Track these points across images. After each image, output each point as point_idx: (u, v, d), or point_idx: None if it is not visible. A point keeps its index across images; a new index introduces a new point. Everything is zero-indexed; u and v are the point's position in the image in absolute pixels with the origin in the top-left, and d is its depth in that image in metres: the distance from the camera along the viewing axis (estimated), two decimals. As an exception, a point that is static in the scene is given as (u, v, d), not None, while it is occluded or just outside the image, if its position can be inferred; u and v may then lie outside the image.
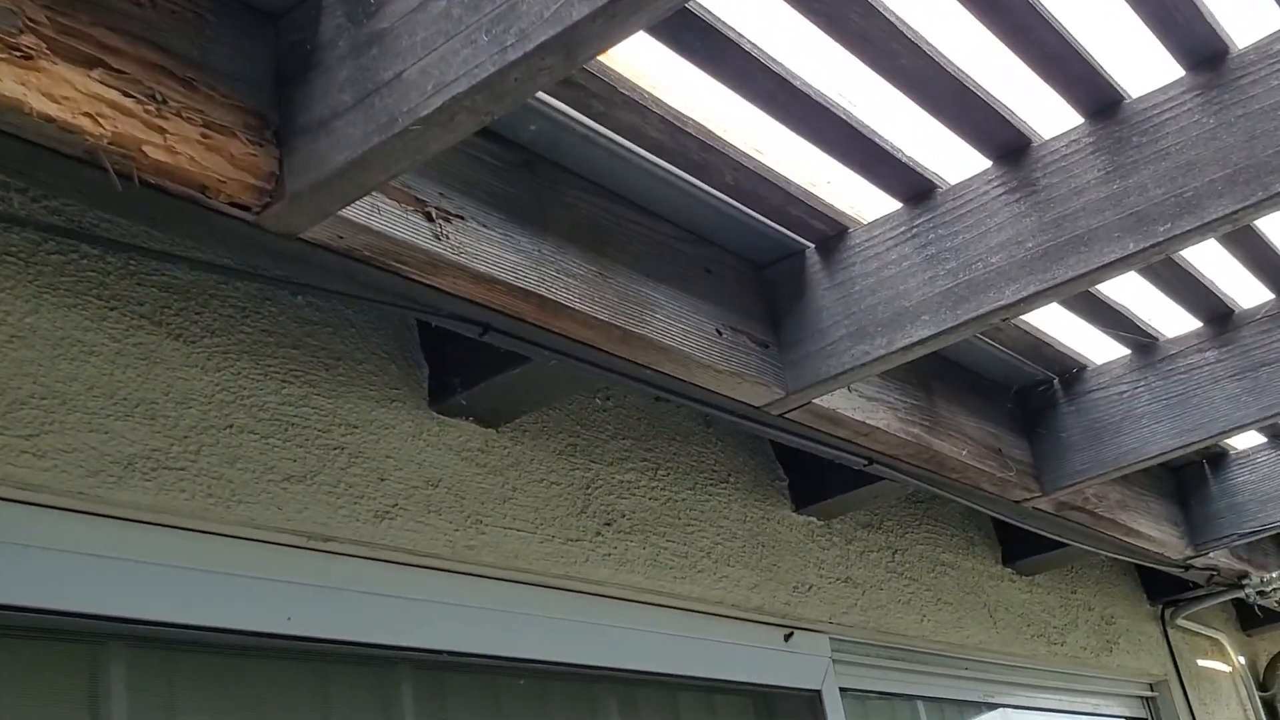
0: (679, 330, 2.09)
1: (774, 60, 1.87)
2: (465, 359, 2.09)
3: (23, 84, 1.32)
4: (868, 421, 2.54)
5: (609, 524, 2.39)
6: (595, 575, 2.33)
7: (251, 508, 1.81)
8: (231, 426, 1.82)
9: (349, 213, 1.61)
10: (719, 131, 1.98)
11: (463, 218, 1.78)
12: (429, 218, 1.72)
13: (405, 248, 1.69)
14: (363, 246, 1.66)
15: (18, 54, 1.32)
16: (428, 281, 1.75)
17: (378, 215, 1.65)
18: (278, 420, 1.88)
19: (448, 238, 1.73)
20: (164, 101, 1.45)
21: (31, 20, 1.34)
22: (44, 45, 1.35)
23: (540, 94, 1.83)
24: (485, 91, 1.42)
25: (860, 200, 2.27)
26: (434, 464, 2.09)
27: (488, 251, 1.79)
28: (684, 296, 2.13)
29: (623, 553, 2.40)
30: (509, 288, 1.82)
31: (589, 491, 2.37)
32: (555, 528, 2.27)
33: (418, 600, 2.01)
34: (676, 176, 2.06)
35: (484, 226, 1.80)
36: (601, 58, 1.80)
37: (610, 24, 1.36)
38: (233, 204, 1.53)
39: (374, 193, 1.64)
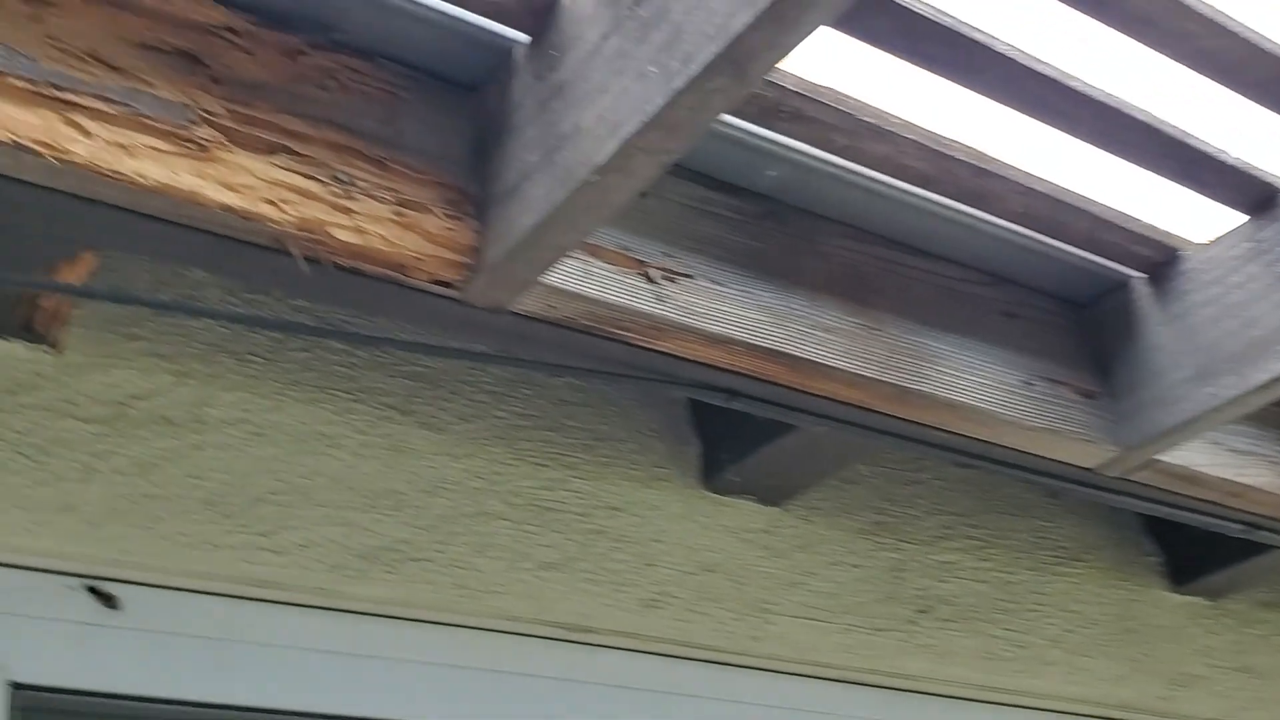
0: (970, 383, 1.84)
1: (1039, 61, 1.61)
2: (732, 431, 1.93)
3: (200, 176, 1.33)
4: (1238, 480, 2.14)
5: (924, 611, 2.13)
6: (909, 668, 2.07)
7: (504, 598, 1.74)
8: (483, 514, 1.76)
9: (556, 280, 1.51)
10: (991, 152, 1.74)
11: (690, 276, 1.64)
12: (648, 279, 1.59)
13: (624, 313, 1.57)
14: (578, 315, 1.56)
15: (194, 146, 1.33)
16: (654, 347, 1.62)
17: (589, 280, 1.55)
18: (533, 506, 1.81)
19: (672, 299, 1.60)
20: (351, 183, 1.42)
21: (207, 113, 1.35)
22: (222, 136, 1.35)
23: (776, 135, 1.68)
24: (658, 128, 1.29)
25: (1187, 217, 1.93)
26: (709, 547, 1.94)
27: (721, 310, 1.64)
28: (976, 345, 1.88)
29: (944, 643, 2.13)
30: (749, 348, 1.65)
31: (899, 574, 2.13)
32: (858, 616, 2.05)
33: (693, 697, 1.85)
34: (952, 209, 1.83)
35: (717, 284, 1.66)
36: (835, 84, 1.62)
37: (777, 30, 1.20)
38: (434, 281, 1.47)
39: (586, 257, 1.54)
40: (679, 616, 1.86)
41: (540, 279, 1.49)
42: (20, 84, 1.25)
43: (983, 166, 1.74)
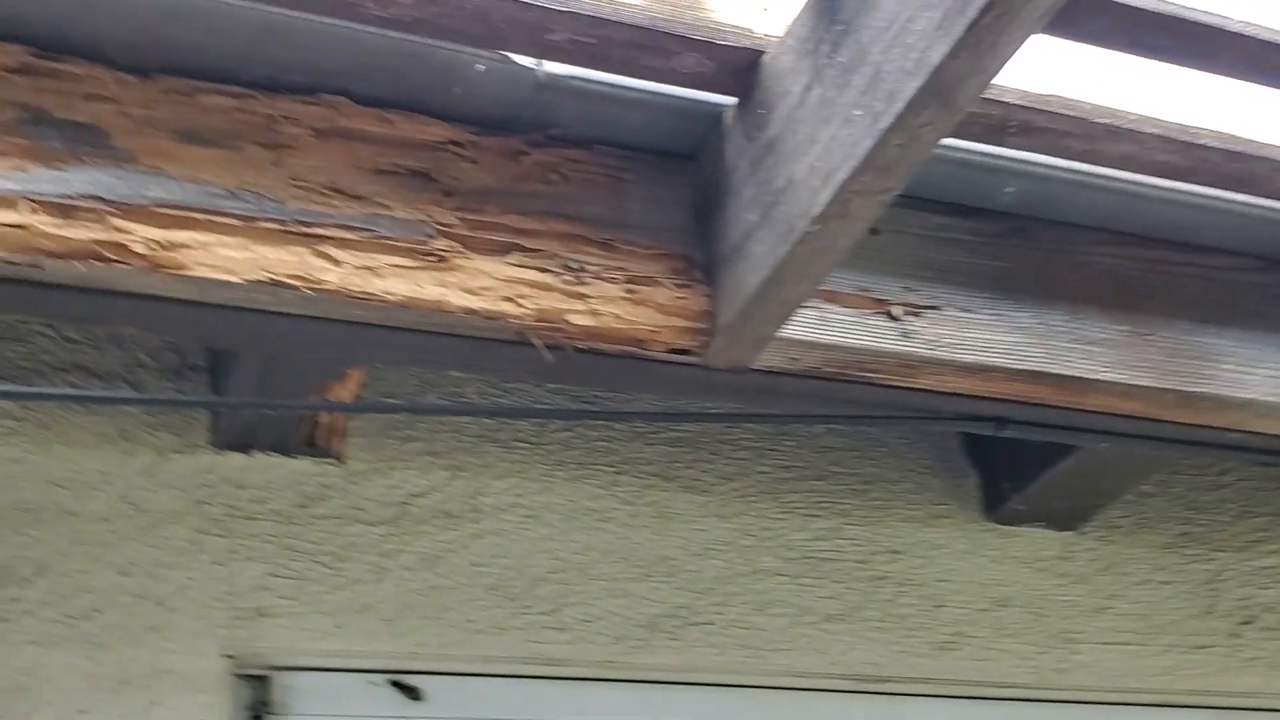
0: (1260, 378, 1.70)
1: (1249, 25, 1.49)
2: (1011, 458, 1.86)
3: (442, 285, 1.39)
4: None
5: (1248, 622, 1.98)
6: (1237, 685, 1.93)
7: (790, 654, 1.72)
8: (759, 571, 1.76)
9: (794, 332, 1.50)
10: (1243, 134, 1.62)
11: (936, 307, 1.59)
12: (891, 316, 1.56)
13: (869, 355, 1.54)
14: (822, 363, 1.54)
15: (433, 259, 1.40)
16: (908, 385, 1.58)
17: (828, 327, 1.52)
18: (809, 558, 1.79)
19: (919, 333, 1.56)
20: (581, 269, 1.46)
21: (442, 225, 1.42)
22: (458, 245, 1.42)
23: (1007, 151, 1.61)
24: (870, 170, 1.27)
25: None
26: (1001, 580, 1.87)
27: (974, 338, 1.58)
28: (1260, 336, 1.74)
29: (1274, 654, 1.96)
30: (1010, 373, 1.59)
31: (1214, 586, 1.99)
32: (1173, 635, 1.92)
33: (1001, 738, 1.78)
34: (1211, 198, 1.71)
35: (966, 311, 1.60)
36: (1061, 91, 1.55)
37: (977, 55, 1.16)
38: (671, 350, 1.49)
39: (822, 304, 1.52)
40: (976, 656, 1.80)
41: (777, 334, 1.48)
42: (271, 226, 1.35)
43: (1237, 150, 1.62)
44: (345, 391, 1.57)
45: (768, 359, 1.53)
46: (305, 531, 1.60)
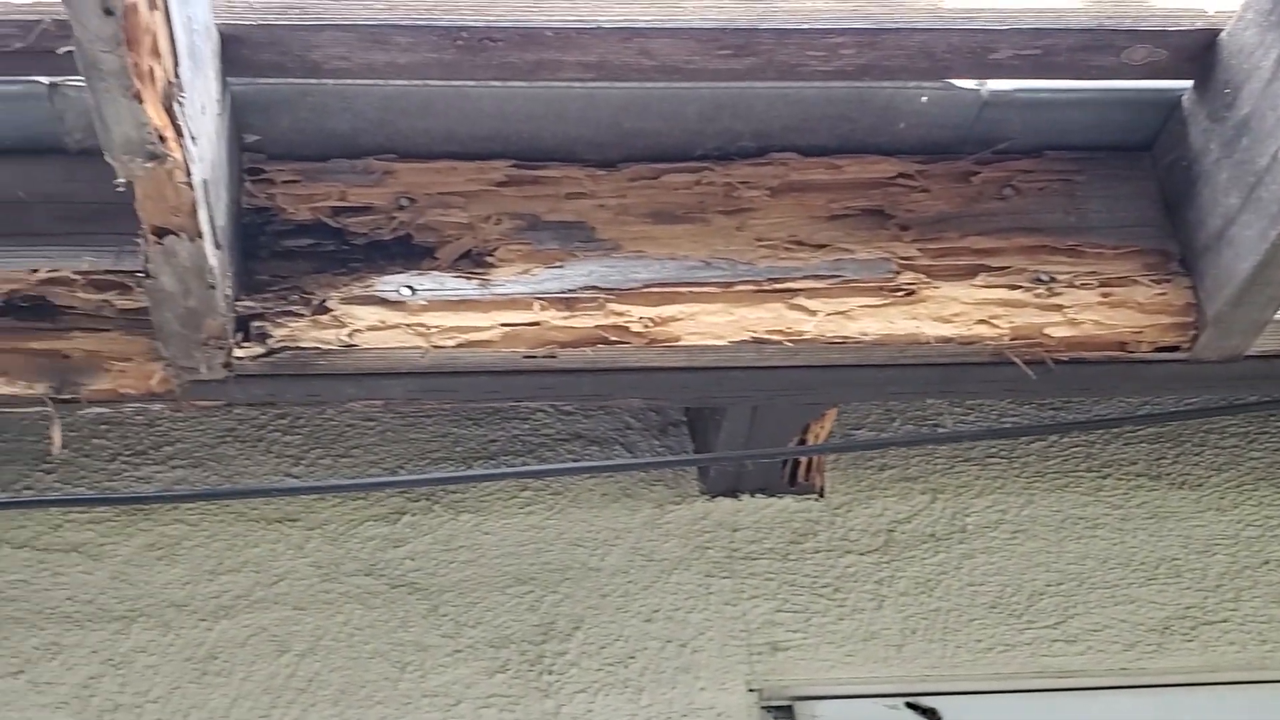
0: None
1: None
2: None
3: (913, 318, 1.42)
4: None
5: None
6: None
7: (1320, 648, 1.62)
8: (1268, 563, 1.67)
9: (1290, 313, 1.42)
10: None
11: None
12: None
13: (1378, 324, 1.43)
14: (1326, 341, 1.45)
15: (901, 293, 1.43)
16: None
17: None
18: (1323, 542, 1.68)
19: None
20: (1051, 280, 1.44)
21: (904, 259, 1.45)
22: (922, 276, 1.44)
23: None
24: (1371, 135, 1.18)
25: None
26: None
27: None
28: None
29: None
30: None
31: None
32: None
33: None
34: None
35: None
36: None
37: None
38: (1157, 349, 1.44)
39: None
40: None
41: (1276, 316, 1.41)
42: (747, 288, 1.43)
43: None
44: (823, 429, 1.62)
45: (1262, 343, 1.45)
46: (801, 566, 1.66)
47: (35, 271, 1.38)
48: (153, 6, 1.04)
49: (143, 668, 1.56)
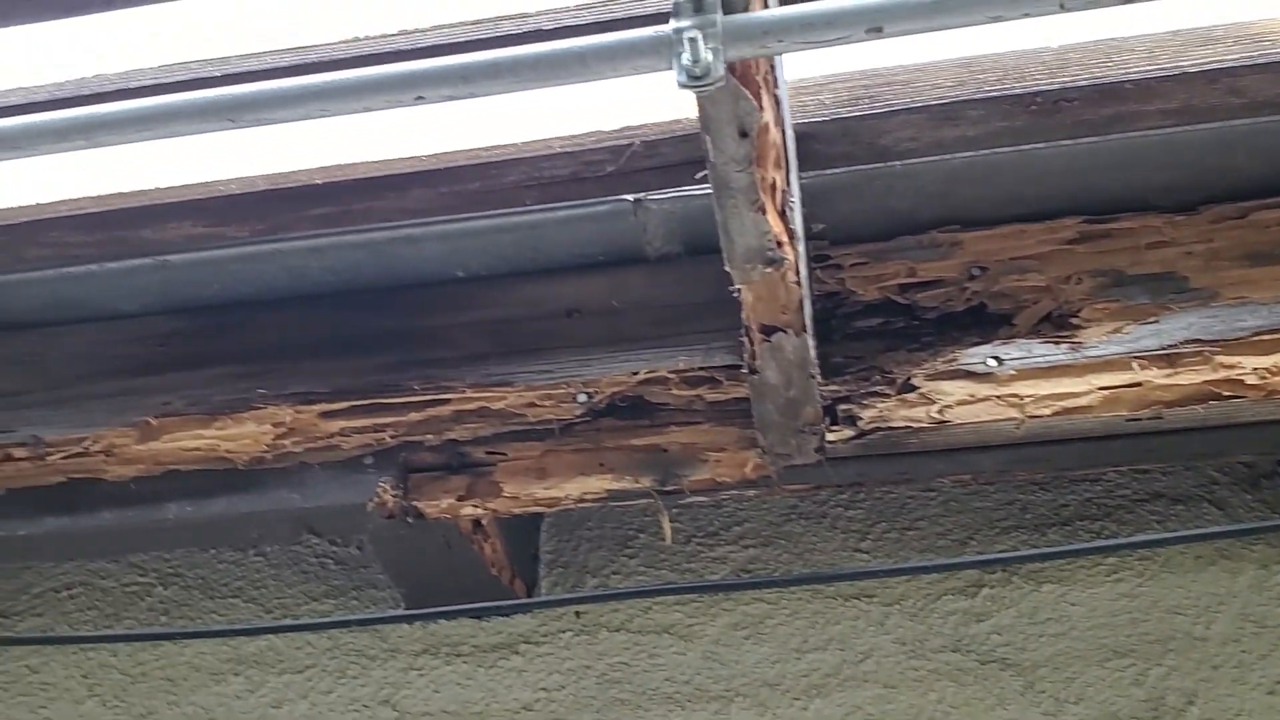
0: None
1: None
2: None
3: None
4: None
5: None
6: None
7: None
8: None
9: None
10: None
11: None
12: None
13: None
14: None
15: None
16: None
17: None
18: None
19: None
20: None
21: None
22: None
23: None
24: None
25: None
26: None
27: None
28: None
29: None
30: None
31: None
32: None
33: None
34: None
35: None
36: None
37: None
38: None
39: None
40: None
41: None
42: None
43: None
44: None
45: None
46: None
47: (635, 374, 1.47)
48: (778, 124, 1.09)
49: (746, 746, 1.61)
